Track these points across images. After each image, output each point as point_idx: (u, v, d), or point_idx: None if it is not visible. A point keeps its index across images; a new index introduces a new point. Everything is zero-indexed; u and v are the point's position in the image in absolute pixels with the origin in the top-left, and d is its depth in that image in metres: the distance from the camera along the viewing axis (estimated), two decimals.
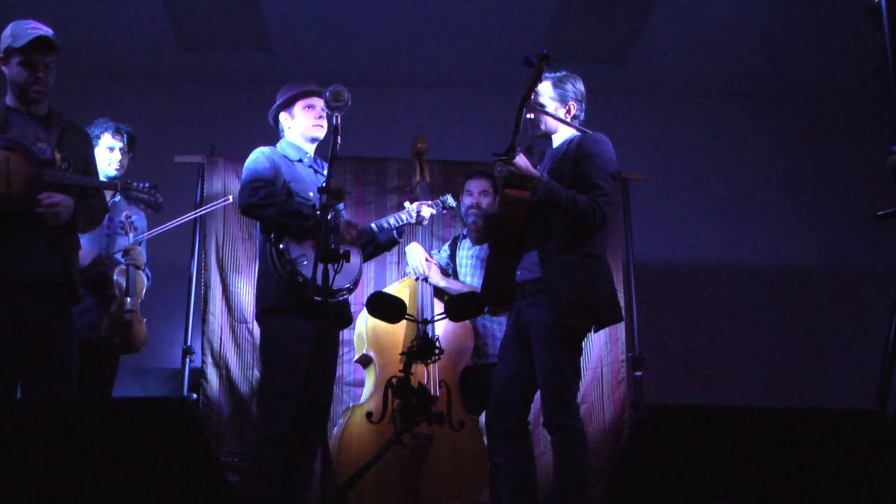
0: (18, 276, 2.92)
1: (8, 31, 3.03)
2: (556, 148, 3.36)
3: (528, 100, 3.16)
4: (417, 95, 5.90)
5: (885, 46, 2.44)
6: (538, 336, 3.17)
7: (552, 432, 3.16)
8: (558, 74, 3.37)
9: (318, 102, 3.54)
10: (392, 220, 3.69)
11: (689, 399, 5.47)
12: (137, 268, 3.81)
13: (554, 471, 3.18)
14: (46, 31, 3.03)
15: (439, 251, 4.44)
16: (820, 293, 6.08)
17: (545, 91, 3.33)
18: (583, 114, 3.38)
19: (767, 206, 6.18)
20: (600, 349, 4.82)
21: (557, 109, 3.33)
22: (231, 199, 4.57)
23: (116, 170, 3.86)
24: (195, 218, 4.65)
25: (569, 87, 3.36)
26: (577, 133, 3.32)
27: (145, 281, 3.93)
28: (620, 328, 4.86)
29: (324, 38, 5.50)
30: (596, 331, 3.34)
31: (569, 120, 3.34)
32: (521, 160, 3.12)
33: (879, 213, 2.51)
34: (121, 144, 3.88)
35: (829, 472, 1.88)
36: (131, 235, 3.78)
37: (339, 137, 3.03)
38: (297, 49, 5.60)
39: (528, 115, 3.33)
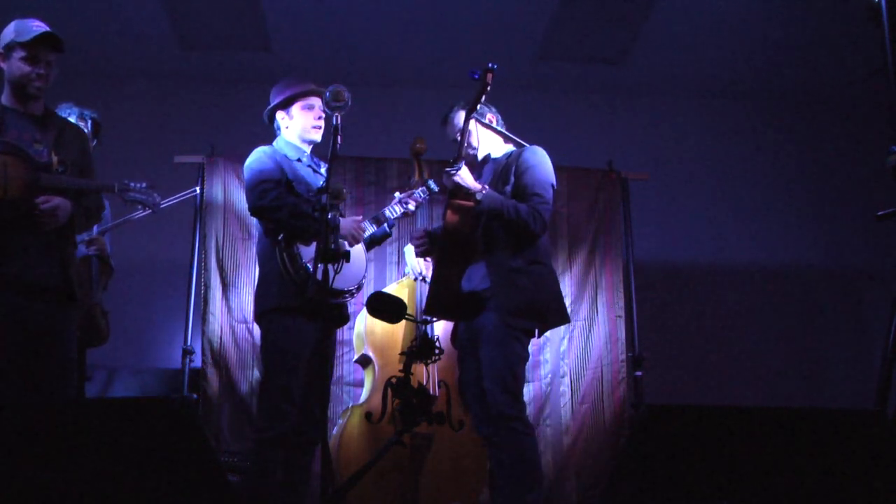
0: (18, 279, 2.92)
1: (11, 27, 3.04)
2: (497, 160, 3.50)
3: (473, 111, 3.27)
4: (417, 95, 5.89)
5: (885, 46, 2.43)
6: (487, 336, 3.23)
7: (501, 425, 3.16)
8: (463, 101, 3.44)
9: (317, 102, 3.50)
10: (388, 213, 3.68)
11: (689, 399, 5.47)
12: (102, 258, 3.77)
13: (507, 462, 3.16)
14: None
15: None
16: (820, 293, 6.08)
17: (462, 116, 3.40)
18: (502, 126, 3.54)
19: (767, 206, 6.18)
20: (600, 349, 4.81)
21: (482, 127, 3.48)
22: (197, 191, 4.61)
23: None
24: (195, 219, 4.67)
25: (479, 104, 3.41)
26: (514, 148, 3.47)
27: (110, 272, 3.89)
28: (620, 328, 4.87)
29: (324, 38, 5.50)
30: (539, 335, 3.43)
31: (495, 126, 3.48)
32: (465, 172, 3.25)
33: (879, 213, 2.51)
34: (85, 130, 3.83)
35: (829, 472, 1.88)
36: (95, 226, 3.74)
37: (339, 137, 3.03)
38: (297, 49, 5.60)
39: (464, 145, 3.41)
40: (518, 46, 5.45)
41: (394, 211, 3.67)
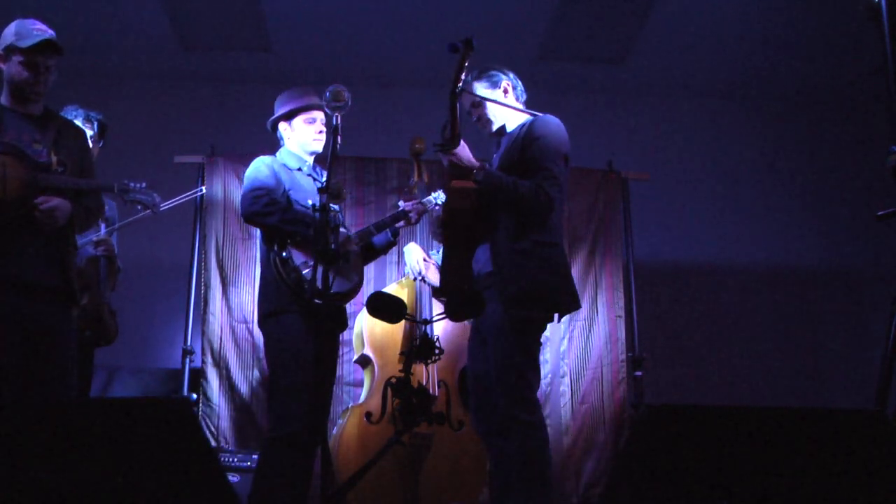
0: (17, 279, 2.91)
1: (11, 28, 3.02)
2: (510, 133, 3.31)
3: (456, 86, 3.03)
4: (417, 95, 5.90)
5: (885, 46, 2.43)
6: (490, 331, 3.11)
7: (509, 429, 3.03)
8: (476, 72, 3.31)
9: (319, 115, 3.55)
10: (388, 220, 3.69)
11: (689, 399, 5.47)
12: (110, 258, 3.78)
13: (514, 467, 3.03)
14: (51, 33, 3.02)
15: (438, 251, 4.44)
16: (820, 293, 6.08)
17: (476, 88, 3.30)
18: (523, 94, 3.37)
19: (767, 206, 6.19)
20: (600, 349, 4.82)
21: (497, 97, 3.30)
22: (203, 190, 4.62)
23: None
24: (195, 219, 4.67)
25: (493, 72, 3.33)
26: (530, 117, 3.28)
27: (118, 272, 3.90)
28: (620, 328, 4.87)
29: (324, 38, 5.50)
30: (559, 319, 3.27)
31: (510, 99, 3.31)
32: (462, 150, 3.08)
33: (879, 213, 2.51)
34: (91, 132, 3.83)
35: (829, 472, 1.88)
36: (103, 226, 3.75)
37: (339, 137, 3.03)
38: (297, 49, 5.60)
39: (474, 119, 3.34)
40: (518, 46, 5.45)
41: (395, 218, 3.66)
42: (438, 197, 3.81)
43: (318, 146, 3.58)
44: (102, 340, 3.80)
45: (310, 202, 3.41)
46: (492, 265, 3.12)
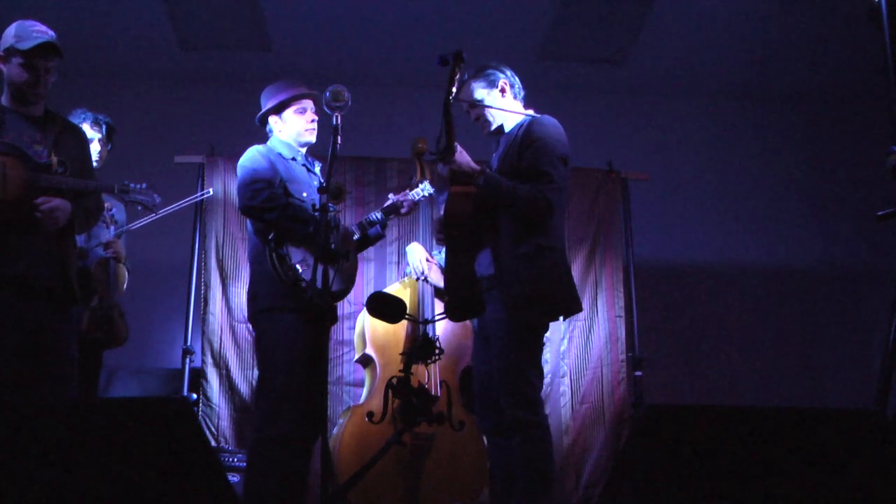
0: (18, 279, 2.91)
1: (11, 30, 3.01)
2: (509, 132, 3.31)
3: (449, 97, 3.04)
4: (417, 95, 5.89)
5: (885, 46, 2.44)
6: (494, 333, 3.13)
7: (514, 429, 3.06)
8: (474, 71, 3.32)
9: (309, 105, 3.49)
10: (380, 214, 3.65)
11: (689, 399, 5.47)
12: (118, 261, 3.79)
13: (518, 467, 3.06)
14: (51, 34, 3.02)
15: (440, 252, 4.44)
16: (820, 293, 6.09)
17: (474, 88, 3.31)
18: (521, 91, 3.37)
19: (767, 206, 6.19)
20: (600, 349, 4.82)
21: (494, 97, 3.31)
22: (211, 192, 4.61)
23: (95, 161, 3.77)
24: (195, 219, 4.67)
25: (490, 71, 3.33)
26: (527, 117, 3.28)
27: (126, 274, 3.91)
28: (621, 328, 4.87)
29: (324, 38, 5.50)
30: (565, 319, 3.29)
31: (508, 98, 3.32)
32: (461, 156, 3.09)
33: (879, 213, 2.51)
34: (99, 135, 3.84)
35: (829, 472, 1.88)
36: (112, 228, 3.76)
37: (338, 137, 3.02)
38: (297, 49, 5.60)
39: (473, 119, 3.34)
40: (518, 46, 5.46)
41: (376, 216, 3.63)
42: (425, 188, 3.78)
43: (311, 137, 3.52)
44: (113, 342, 3.81)
45: (305, 195, 3.38)
46: (494, 268, 3.13)
